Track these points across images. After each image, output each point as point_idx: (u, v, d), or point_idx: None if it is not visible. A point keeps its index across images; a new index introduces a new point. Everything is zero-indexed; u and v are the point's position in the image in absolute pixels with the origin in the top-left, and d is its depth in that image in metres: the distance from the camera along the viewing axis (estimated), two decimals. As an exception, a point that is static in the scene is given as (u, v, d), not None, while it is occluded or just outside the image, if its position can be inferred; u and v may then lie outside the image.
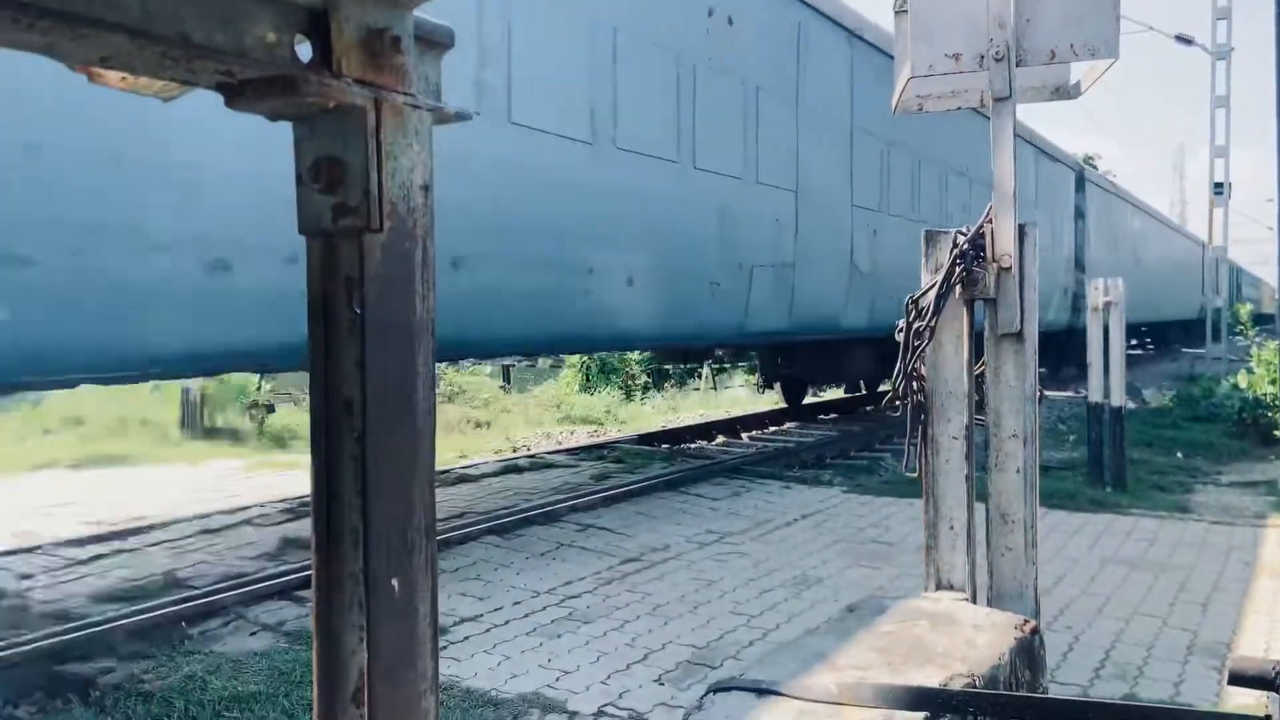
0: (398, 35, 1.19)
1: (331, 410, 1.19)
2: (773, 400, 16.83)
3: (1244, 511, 8.38)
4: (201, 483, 9.65)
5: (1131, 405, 12.05)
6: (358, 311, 1.17)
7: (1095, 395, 9.53)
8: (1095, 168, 38.01)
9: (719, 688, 2.23)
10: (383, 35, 1.17)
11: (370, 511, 1.21)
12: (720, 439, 13.17)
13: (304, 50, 1.15)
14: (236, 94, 1.12)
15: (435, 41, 1.32)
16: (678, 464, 10.30)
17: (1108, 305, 9.21)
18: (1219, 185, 22.28)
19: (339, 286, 1.18)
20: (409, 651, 1.24)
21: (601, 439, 13.01)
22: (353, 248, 1.16)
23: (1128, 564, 6.52)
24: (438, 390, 16.30)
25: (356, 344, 1.18)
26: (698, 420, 14.80)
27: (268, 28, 1.11)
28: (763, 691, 2.17)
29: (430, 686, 1.26)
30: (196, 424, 13.68)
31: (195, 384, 13.40)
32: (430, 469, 1.29)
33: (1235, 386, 14.34)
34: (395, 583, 1.22)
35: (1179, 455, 11.61)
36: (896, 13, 3.21)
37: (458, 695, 4.21)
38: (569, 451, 11.68)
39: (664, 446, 12.30)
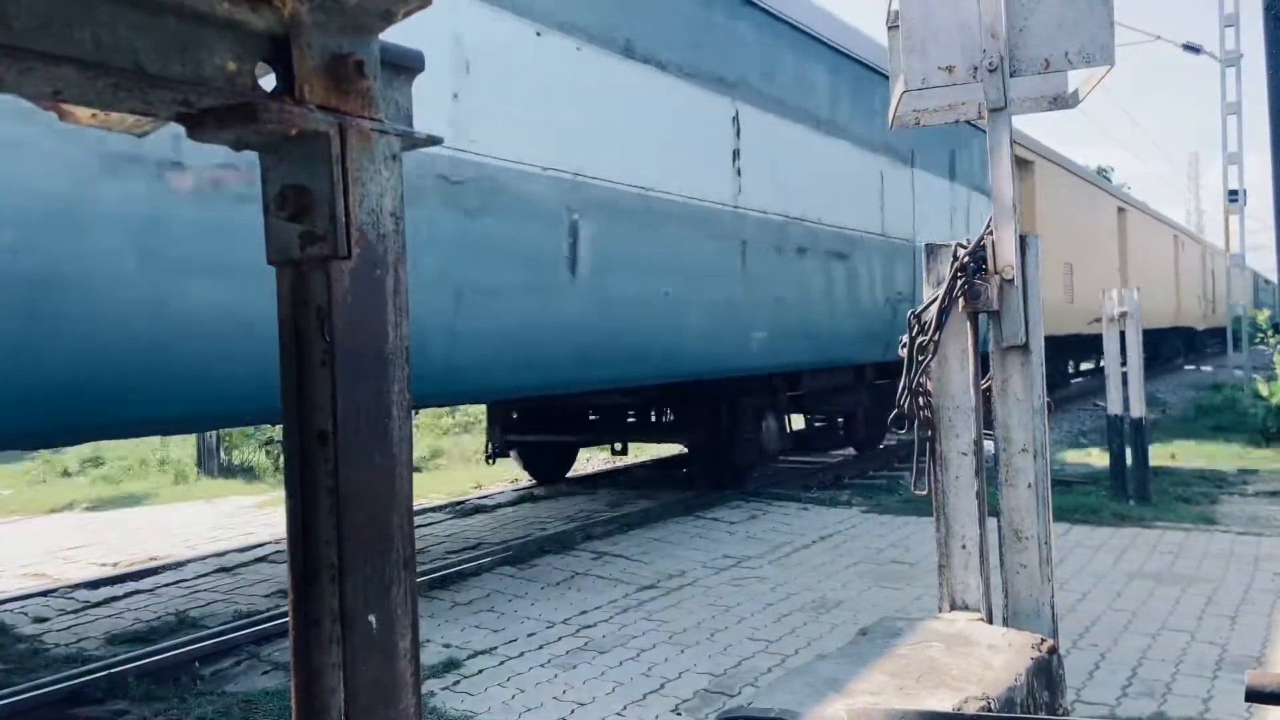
0: (362, 60, 1.17)
1: (305, 442, 1.17)
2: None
3: (1271, 521, 8.23)
4: (217, 521, 9.66)
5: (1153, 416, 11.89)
6: (328, 340, 1.15)
7: (1115, 407, 9.42)
8: (1109, 179, 36.75)
9: (726, 717, 2.18)
10: (346, 60, 1.16)
11: (346, 546, 1.18)
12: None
13: (272, 80, 1.14)
14: (197, 124, 1.10)
15: (404, 66, 1.30)
16: (695, 488, 10.22)
17: (1123, 315, 9.13)
18: (1234, 192, 22.13)
19: (310, 316, 1.15)
20: (389, 689, 1.21)
21: (617, 465, 12.94)
22: (321, 276, 1.14)
23: (1153, 578, 6.39)
24: (451, 420, 16.31)
25: (328, 374, 1.15)
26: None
27: (227, 56, 1.09)
28: (771, 720, 2.11)
29: (414, 725, 1.23)
30: (213, 462, 13.74)
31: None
32: (408, 501, 1.26)
33: (1257, 395, 14.18)
34: (373, 619, 1.19)
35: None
36: (889, 28, 3.19)
37: (471, 730, 4.15)
38: (585, 479, 11.63)
39: (682, 471, 12.22)
